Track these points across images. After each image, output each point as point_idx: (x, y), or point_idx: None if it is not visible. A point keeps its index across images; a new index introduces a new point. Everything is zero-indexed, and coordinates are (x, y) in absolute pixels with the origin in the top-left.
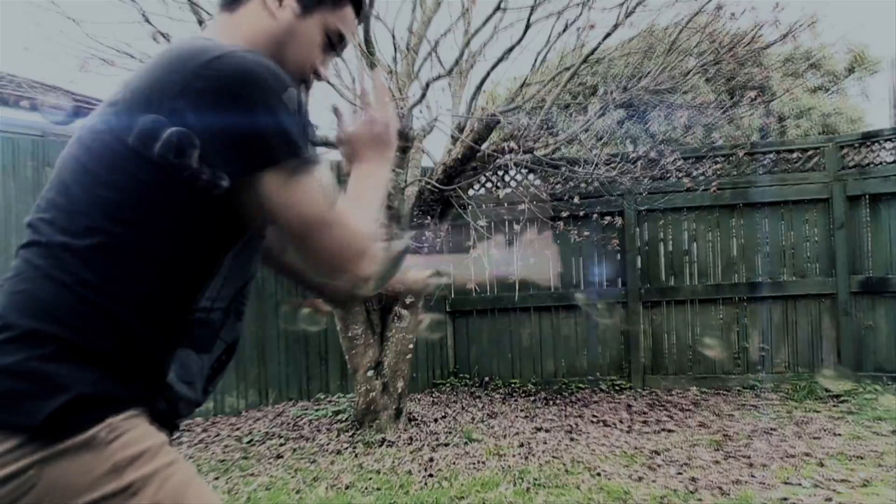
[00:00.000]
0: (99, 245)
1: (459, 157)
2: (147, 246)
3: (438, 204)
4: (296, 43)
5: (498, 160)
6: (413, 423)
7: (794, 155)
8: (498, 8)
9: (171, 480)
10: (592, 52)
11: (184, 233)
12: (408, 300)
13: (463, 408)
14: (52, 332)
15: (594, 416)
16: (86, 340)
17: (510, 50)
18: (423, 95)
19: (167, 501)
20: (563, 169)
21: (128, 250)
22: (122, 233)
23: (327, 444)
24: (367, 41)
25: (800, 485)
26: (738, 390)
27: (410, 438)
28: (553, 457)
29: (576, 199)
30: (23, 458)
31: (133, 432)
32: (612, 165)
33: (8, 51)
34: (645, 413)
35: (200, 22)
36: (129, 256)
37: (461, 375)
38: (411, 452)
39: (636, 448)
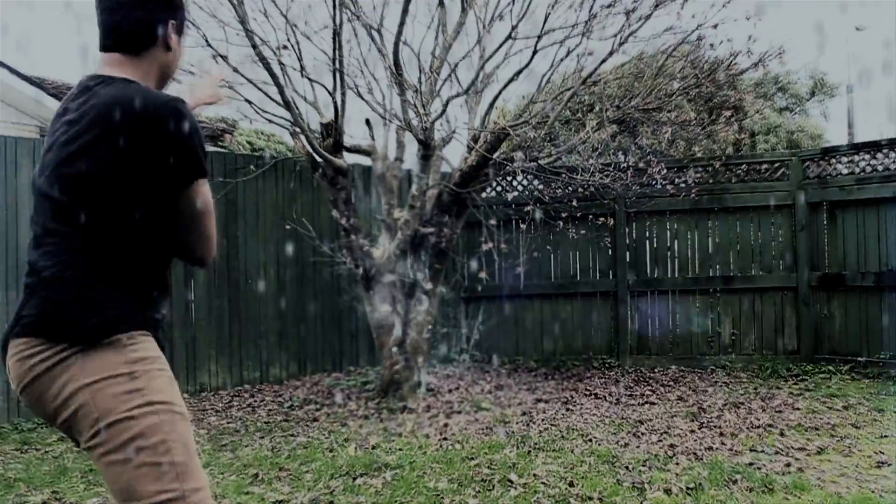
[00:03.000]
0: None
1: (474, 164)
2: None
3: (455, 204)
4: (177, 59)
5: (507, 167)
6: (430, 393)
7: (763, 166)
8: (509, 37)
9: (160, 378)
10: (590, 76)
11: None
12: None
13: (473, 381)
14: (93, 275)
15: (587, 389)
16: (114, 279)
17: (519, 72)
18: (444, 111)
19: (155, 387)
20: (564, 176)
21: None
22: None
23: (356, 410)
24: (396, 64)
25: (763, 451)
26: (712, 369)
27: (428, 406)
28: (551, 424)
29: (574, 202)
30: (68, 352)
31: (143, 344)
32: (606, 173)
33: (79, 66)
34: (631, 388)
35: (254, 46)
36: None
37: (472, 353)
38: (429, 418)
39: (623, 418)
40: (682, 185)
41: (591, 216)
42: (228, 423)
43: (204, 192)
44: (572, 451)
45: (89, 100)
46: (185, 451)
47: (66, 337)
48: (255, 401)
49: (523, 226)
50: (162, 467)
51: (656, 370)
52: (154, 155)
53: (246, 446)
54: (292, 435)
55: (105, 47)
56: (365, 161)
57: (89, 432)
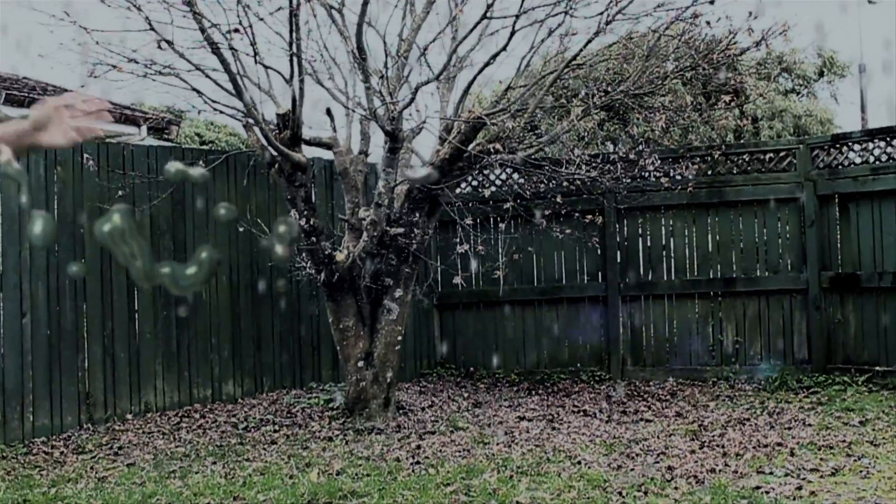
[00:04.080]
0: None
1: (447, 157)
2: None
3: (426, 202)
4: None
5: (483, 160)
6: (401, 411)
7: (768, 156)
8: (484, 16)
9: None
10: (574, 58)
11: None
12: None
13: (449, 397)
14: None
15: (575, 405)
16: None
17: (496, 55)
18: (413, 99)
19: None
20: (546, 169)
21: None
22: None
23: (319, 432)
24: (360, 47)
25: (772, 473)
26: (714, 381)
27: (399, 426)
28: (535, 445)
29: (558, 198)
30: None
31: None
32: (593, 165)
33: (27, 57)
34: (624, 403)
35: (202, 30)
36: None
37: (448, 366)
38: (399, 440)
39: (615, 437)
40: (678, 177)
41: (577, 213)
42: (177, 446)
43: None
44: (559, 475)
45: None
46: None
47: None
48: (207, 421)
49: (502, 225)
50: None
51: (651, 383)
52: None
53: (196, 473)
54: (248, 460)
55: None
56: (326, 155)
57: None
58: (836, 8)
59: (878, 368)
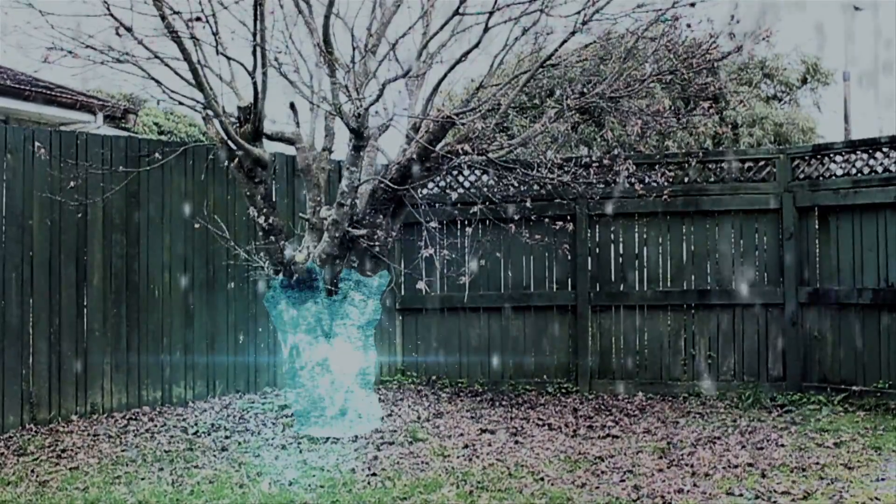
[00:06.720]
0: None
1: (413, 157)
2: None
3: (391, 203)
4: None
5: (452, 161)
6: (359, 419)
7: (747, 164)
8: (456, 12)
9: None
10: (549, 57)
11: None
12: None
13: (409, 406)
14: None
15: (540, 418)
16: None
17: (467, 53)
18: (380, 95)
19: None
20: (517, 171)
21: None
22: None
23: (272, 439)
24: (326, 40)
25: (742, 495)
26: (685, 397)
27: (355, 436)
28: (497, 459)
29: (528, 203)
30: None
31: None
32: (566, 170)
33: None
34: (591, 417)
35: (163, 17)
36: None
37: (409, 373)
38: (355, 450)
39: (581, 453)
40: (653, 184)
41: (547, 219)
42: (123, 450)
43: None
44: (520, 492)
45: None
46: None
47: None
48: (156, 425)
49: (469, 229)
50: None
51: (620, 397)
52: None
53: (143, 479)
54: (197, 466)
55: None
56: (288, 151)
57: None
58: (821, 14)
59: (854, 388)
